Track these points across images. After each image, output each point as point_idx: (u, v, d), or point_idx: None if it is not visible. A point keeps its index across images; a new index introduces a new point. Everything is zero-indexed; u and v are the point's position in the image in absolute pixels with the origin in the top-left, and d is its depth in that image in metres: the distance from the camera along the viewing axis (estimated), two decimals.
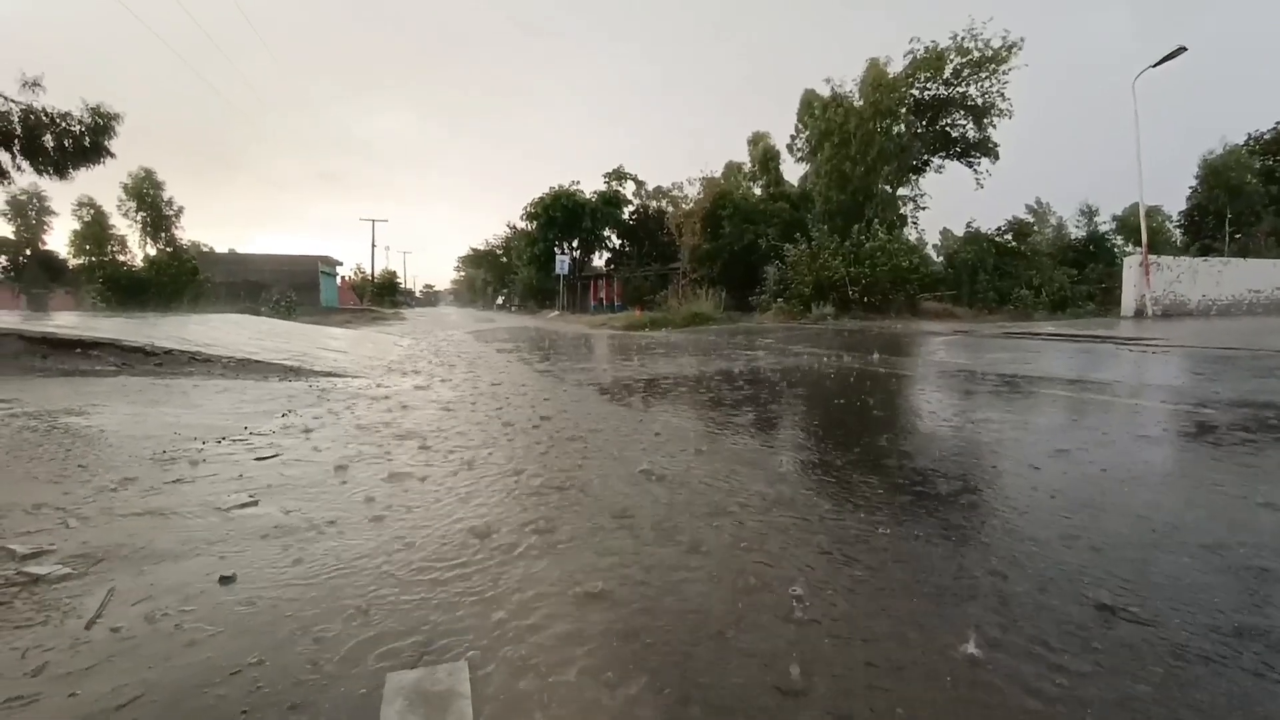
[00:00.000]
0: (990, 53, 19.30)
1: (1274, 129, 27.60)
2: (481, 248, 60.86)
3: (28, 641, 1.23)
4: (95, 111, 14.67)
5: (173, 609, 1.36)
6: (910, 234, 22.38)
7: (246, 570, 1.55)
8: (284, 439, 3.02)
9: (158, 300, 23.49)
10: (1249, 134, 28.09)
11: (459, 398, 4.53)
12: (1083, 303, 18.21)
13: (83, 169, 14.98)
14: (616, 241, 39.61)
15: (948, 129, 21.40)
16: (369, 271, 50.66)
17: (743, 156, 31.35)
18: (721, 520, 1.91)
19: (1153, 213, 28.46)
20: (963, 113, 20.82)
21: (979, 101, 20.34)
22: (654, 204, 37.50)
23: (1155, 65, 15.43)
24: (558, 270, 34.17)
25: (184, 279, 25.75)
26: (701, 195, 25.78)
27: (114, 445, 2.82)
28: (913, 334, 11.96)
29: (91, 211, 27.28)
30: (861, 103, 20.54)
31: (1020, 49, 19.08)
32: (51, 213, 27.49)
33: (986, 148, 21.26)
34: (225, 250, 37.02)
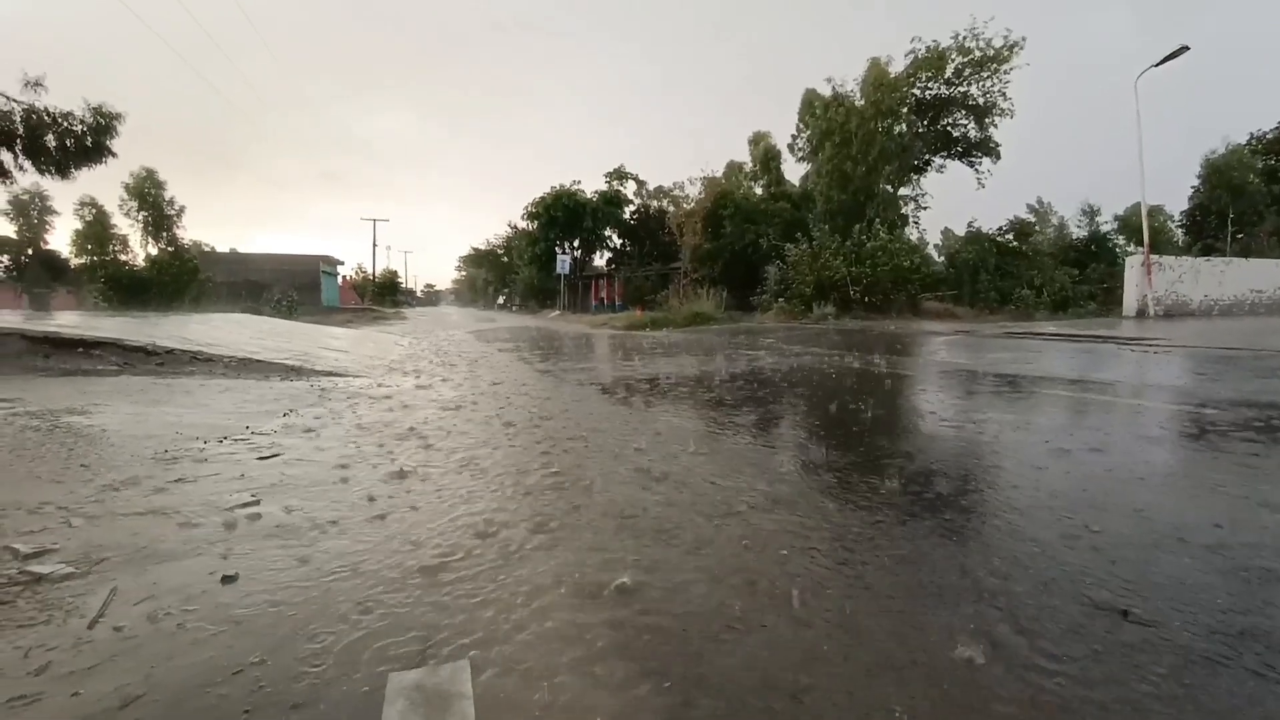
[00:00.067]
0: (992, 52, 19.25)
1: (1276, 128, 27.49)
2: (482, 247, 60.78)
3: (31, 641, 1.23)
4: (97, 111, 14.68)
5: (175, 608, 1.36)
6: (911, 234, 22.34)
7: (248, 570, 1.55)
8: (286, 438, 3.03)
9: (159, 300, 23.52)
10: (1251, 133, 27.99)
11: (460, 397, 4.53)
12: (1084, 303, 18.16)
13: (85, 169, 14.99)
14: (617, 241, 39.56)
15: (949, 128, 21.34)
16: (370, 271, 50.65)
17: (744, 156, 31.34)
18: (724, 520, 1.91)
19: (1155, 212, 28.38)
20: (964, 112, 20.77)
21: (980, 101, 20.29)
22: (655, 204, 37.46)
23: (1157, 65, 15.39)
24: (559, 270, 34.13)
25: (185, 278, 25.79)
26: (702, 195, 25.74)
27: (116, 445, 2.82)
28: (914, 334, 11.95)
29: (93, 211, 27.28)
30: (863, 102, 20.51)
31: (1022, 48, 19.06)
32: (53, 212, 27.49)
33: (988, 147, 21.21)
34: (226, 250, 36.96)
